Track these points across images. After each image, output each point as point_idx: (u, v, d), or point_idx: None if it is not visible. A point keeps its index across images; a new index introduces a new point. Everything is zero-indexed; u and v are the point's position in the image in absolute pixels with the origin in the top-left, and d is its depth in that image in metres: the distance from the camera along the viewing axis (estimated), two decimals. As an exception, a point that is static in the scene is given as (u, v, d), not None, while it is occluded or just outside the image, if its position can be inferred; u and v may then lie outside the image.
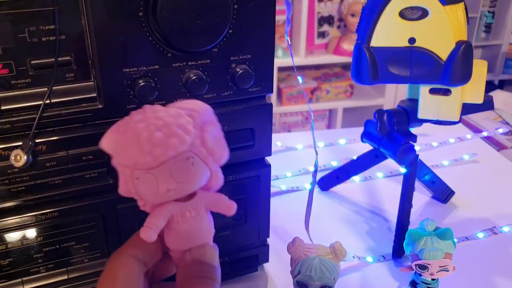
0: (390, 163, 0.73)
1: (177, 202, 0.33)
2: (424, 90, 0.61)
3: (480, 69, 0.60)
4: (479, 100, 0.62)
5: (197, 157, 0.32)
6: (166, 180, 0.31)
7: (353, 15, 2.16)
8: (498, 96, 1.87)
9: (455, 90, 0.59)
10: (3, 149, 0.41)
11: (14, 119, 0.41)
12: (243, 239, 0.57)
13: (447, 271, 0.56)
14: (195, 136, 0.32)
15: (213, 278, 0.33)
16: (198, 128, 0.32)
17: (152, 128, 0.30)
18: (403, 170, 0.66)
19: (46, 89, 0.40)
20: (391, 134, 0.66)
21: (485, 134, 1.02)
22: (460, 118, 0.63)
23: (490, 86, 2.59)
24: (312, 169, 0.62)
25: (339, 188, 0.81)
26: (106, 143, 0.32)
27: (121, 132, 0.31)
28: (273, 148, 0.54)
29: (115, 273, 0.32)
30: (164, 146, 0.30)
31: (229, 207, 0.35)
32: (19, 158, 0.40)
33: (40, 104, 0.40)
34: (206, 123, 0.33)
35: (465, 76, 0.57)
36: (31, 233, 0.45)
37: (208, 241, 0.35)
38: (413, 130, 0.67)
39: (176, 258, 0.35)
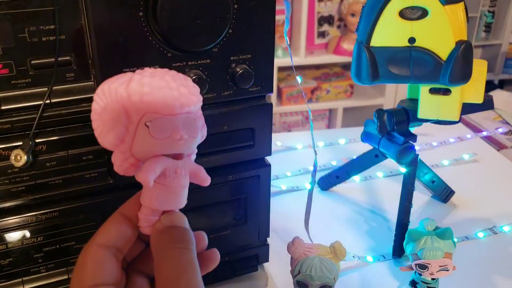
0: (390, 163, 0.73)
1: (170, 159, 0.33)
2: (424, 90, 0.61)
3: (480, 69, 0.60)
4: (479, 99, 0.62)
5: (199, 122, 0.34)
6: (180, 129, 0.32)
7: (353, 14, 2.16)
8: (498, 95, 1.87)
9: (455, 90, 0.60)
10: (3, 149, 0.41)
11: (14, 119, 0.41)
12: (243, 239, 0.57)
13: (447, 270, 0.56)
14: (200, 105, 0.34)
15: (186, 239, 0.33)
16: (201, 99, 0.35)
17: (178, 82, 0.33)
18: (403, 170, 0.66)
19: (46, 89, 0.40)
20: (391, 134, 0.66)
21: (485, 133, 1.02)
22: (460, 117, 0.63)
23: (490, 85, 2.59)
24: (312, 168, 0.62)
25: (339, 188, 0.81)
26: (120, 83, 0.32)
27: (148, 76, 0.32)
28: (273, 148, 0.54)
29: (84, 263, 0.32)
30: (188, 99, 0.33)
31: (206, 179, 0.36)
32: (19, 158, 0.40)
33: (40, 104, 0.40)
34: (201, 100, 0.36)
35: (465, 76, 0.57)
36: (31, 233, 0.45)
37: (180, 208, 0.35)
38: (413, 130, 0.68)
39: (147, 225, 0.34)
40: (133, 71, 0.42)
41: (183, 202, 0.35)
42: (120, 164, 0.33)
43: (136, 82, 0.32)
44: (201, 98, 0.34)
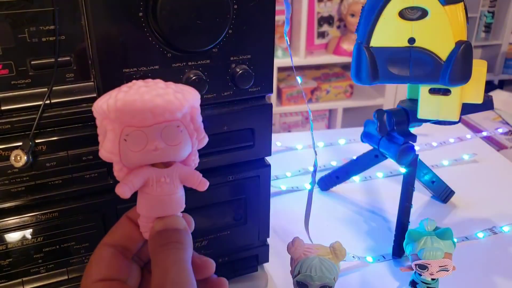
0: (390, 163, 0.73)
1: (154, 168, 0.35)
2: (424, 90, 0.61)
3: (479, 69, 0.60)
4: (479, 100, 0.62)
5: (185, 129, 0.35)
6: (155, 139, 0.33)
7: (353, 15, 2.16)
8: (498, 96, 1.87)
9: (455, 90, 0.60)
10: (3, 149, 0.41)
11: (14, 119, 0.41)
12: (243, 239, 0.57)
13: (447, 271, 0.56)
14: (187, 112, 0.35)
15: (180, 241, 0.34)
16: (189, 106, 0.35)
17: (154, 93, 0.33)
18: (403, 170, 0.66)
19: (46, 89, 0.40)
20: (391, 134, 0.66)
21: (484, 134, 1.02)
22: (460, 118, 0.63)
23: (489, 86, 2.59)
24: (312, 169, 0.62)
25: (339, 188, 0.81)
26: (104, 100, 0.34)
27: (123, 91, 0.34)
28: (273, 148, 0.54)
29: (91, 260, 0.35)
30: (163, 108, 0.33)
31: (202, 183, 0.37)
32: (19, 159, 0.40)
33: (40, 105, 0.40)
34: (195, 106, 0.36)
35: (464, 76, 0.57)
36: (31, 233, 0.45)
37: (176, 213, 0.36)
38: (413, 130, 0.68)
39: (146, 231, 0.36)
40: (133, 72, 0.42)
41: (175, 207, 0.36)
42: (117, 174, 0.35)
43: (112, 98, 0.33)
44: (186, 105, 0.34)
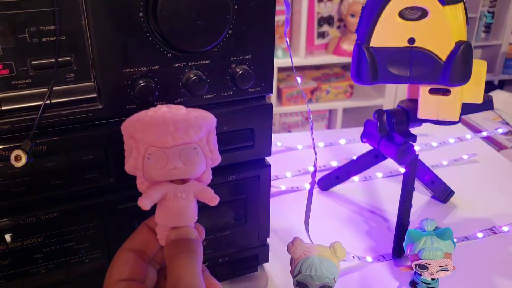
0: (390, 163, 0.73)
1: (172, 184, 0.39)
2: (423, 90, 0.61)
3: (479, 69, 0.60)
4: (479, 100, 0.62)
5: (201, 150, 0.39)
6: (175, 159, 0.38)
7: (352, 15, 2.16)
8: (498, 96, 1.87)
9: (455, 90, 0.60)
10: (3, 149, 0.41)
11: (14, 119, 0.41)
12: (243, 239, 0.57)
13: (447, 271, 0.56)
14: (204, 135, 0.40)
15: (190, 250, 0.38)
16: (206, 130, 0.40)
17: (177, 118, 0.38)
18: (403, 170, 0.66)
19: (46, 89, 0.40)
20: (391, 134, 0.66)
21: (484, 134, 1.02)
22: (460, 118, 0.63)
23: (489, 86, 2.59)
24: (312, 169, 0.62)
25: (339, 188, 0.81)
26: (131, 122, 0.39)
27: (149, 115, 0.38)
28: (273, 148, 0.54)
29: (112, 263, 0.39)
30: (184, 132, 0.38)
31: (213, 199, 0.41)
32: (19, 159, 0.40)
33: (41, 105, 0.40)
34: (212, 130, 0.41)
35: (464, 76, 0.57)
36: (32, 233, 0.45)
37: (190, 224, 0.40)
38: (413, 130, 0.68)
39: (162, 238, 0.40)
40: (133, 72, 0.42)
41: (188, 219, 0.40)
42: (139, 187, 0.39)
43: (139, 121, 0.38)
44: (204, 129, 0.39)
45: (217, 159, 0.41)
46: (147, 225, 0.41)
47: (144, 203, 0.37)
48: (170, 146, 0.37)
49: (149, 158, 0.38)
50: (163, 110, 0.39)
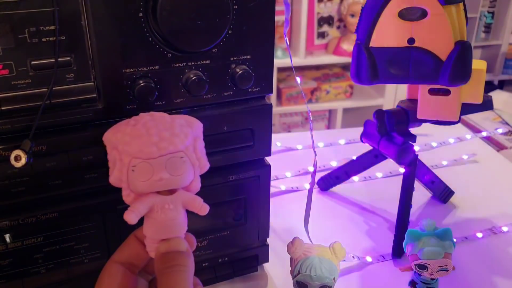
0: (390, 163, 0.73)
1: (159, 195, 0.38)
2: (423, 90, 0.61)
3: (479, 69, 0.60)
4: (479, 100, 0.62)
5: (188, 159, 0.38)
6: (160, 170, 0.36)
7: (352, 15, 2.16)
8: (498, 96, 1.87)
9: (455, 90, 0.60)
10: (3, 149, 0.41)
11: (14, 119, 0.41)
12: (243, 239, 0.57)
13: (447, 270, 0.56)
14: (190, 143, 0.38)
15: (181, 263, 0.37)
16: (192, 137, 0.38)
17: (160, 127, 0.37)
18: (402, 170, 0.66)
19: (46, 89, 0.40)
20: (391, 134, 0.66)
21: (484, 134, 1.02)
22: (460, 118, 0.63)
23: (489, 86, 2.59)
24: (312, 169, 0.62)
25: (339, 188, 0.81)
26: (113, 133, 0.37)
27: (131, 125, 0.37)
28: (273, 148, 0.54)
29: (101, 276, 0.39)
30: (168, 142, 0.36)
31: (203, 208, 0.39)
32: (19, 159, 0.40)
33: (40, 105, 0.40)
34: (198, 136, 0.40)
35: (464, 76, 0.57)
36: (31, 233, 0.45)
37: (180, 235, 0.39)
38: (413, 130, 0.68)
39: (151, 250, 0.39)
40: (133, 72, 0.42)
41: (178, 230, 0.39)
42: (125, 199, 0.38)
43: (121, 132, 0.37)
44: (190, 136, 0.38)
45: (205, 166, 0.40)
46: (136, 236, 0.40)
47: (130, 217, 0.36)
48: (155, 157, 0.36)
49: (134, 170, 0.36)
50: (146, 119, 0.37)
